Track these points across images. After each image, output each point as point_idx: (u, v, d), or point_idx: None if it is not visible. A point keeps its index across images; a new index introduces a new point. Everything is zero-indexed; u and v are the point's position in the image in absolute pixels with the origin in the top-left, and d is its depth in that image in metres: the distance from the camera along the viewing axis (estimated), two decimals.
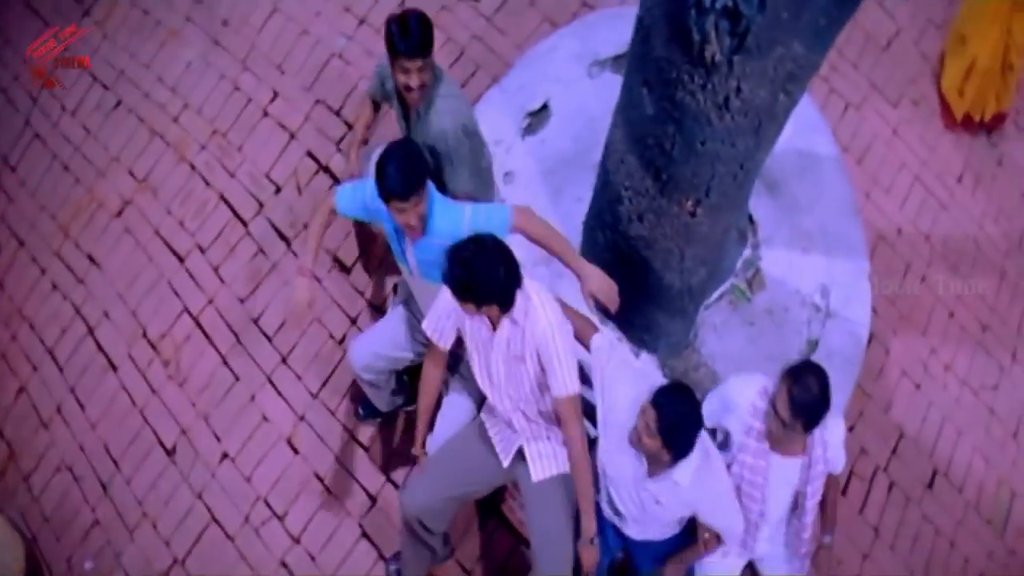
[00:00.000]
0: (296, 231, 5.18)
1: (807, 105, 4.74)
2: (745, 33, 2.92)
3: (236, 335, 5.08)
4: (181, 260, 5.23)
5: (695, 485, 3.61)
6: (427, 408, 4.03)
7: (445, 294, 3.68)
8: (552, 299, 3.65)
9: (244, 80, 5.44)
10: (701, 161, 3.51)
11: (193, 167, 5.35)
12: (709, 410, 3.80)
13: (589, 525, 3.81)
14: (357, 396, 4.86)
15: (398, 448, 4.84)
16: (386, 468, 4.84)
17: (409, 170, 3.48)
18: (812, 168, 4.75)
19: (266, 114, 5.38)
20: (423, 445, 4.08)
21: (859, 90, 5.62)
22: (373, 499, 4.79)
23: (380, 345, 4.28)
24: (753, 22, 2.89)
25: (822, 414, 3.53)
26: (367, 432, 4.88)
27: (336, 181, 5.21)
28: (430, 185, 3.62)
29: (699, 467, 3.61)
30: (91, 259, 5.36)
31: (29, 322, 5.38)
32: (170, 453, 4.99)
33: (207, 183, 5.32)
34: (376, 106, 4.42)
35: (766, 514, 3.87)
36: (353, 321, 5.05)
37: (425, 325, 3.84)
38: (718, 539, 3.88)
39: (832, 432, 3.76)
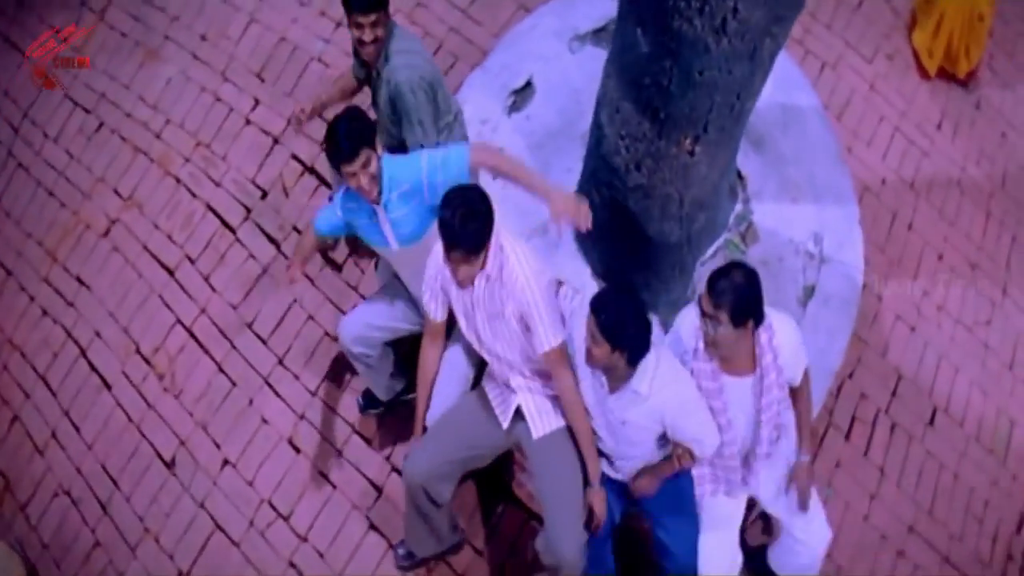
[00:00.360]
0: (285, 234, 5.12)
1: (785, 61, 4.72)
2: None
3: (231, 341, 4.98)
4: (171, 273, 5.16)
5: (656, 392, 3.51)
6: (426, 387, 3.97)
7: (431, 265, 3.67)
8: (527, 250, 3.60)
9: (225, 91, 5.42)
10: (699, 93, 3.47)
11: (178, 180, 5.31)
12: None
13: (594, 470, 3.75)
14: (357, 390, 4.75)
15: (401, 437, 4.70)
16: (390, 458, 4.70)
17: (351, 132, 3.53)
18: (795, 121, 4.72)
19: (248, 122, 5.35)
20: (423, 424, 3.97)
21: (834, 49, 5.63)
22: (379, 490, 4.64)
23: (370, 315, 4.20)
24: None
25: (748, 303, 3.38)
26: (369, 425, 4.75)
27: (322, 182, 5.17)
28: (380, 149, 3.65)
29: (657, 373, 3.52)
30: (80, 281, 5.28)
31: (20, 350, 5.28)
32: (169, 466, 4.85)
33: (193, 194, 5.27)
34: (359, 84, 4.39)
35: (740, 440, 3.74)
36: None
37: (426, 301, 3.79)
38: (691, 455, 3.74)
39: (781, 336, 3.58)
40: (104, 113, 5.54)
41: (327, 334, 4.92)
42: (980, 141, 5.68)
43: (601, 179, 4.03)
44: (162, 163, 5.36)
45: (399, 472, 4.66)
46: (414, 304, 4.10)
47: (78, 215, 5.40)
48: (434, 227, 3.49)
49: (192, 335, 5.03)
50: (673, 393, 3.56)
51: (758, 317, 3.46)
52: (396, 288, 4.20)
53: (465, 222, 3.31)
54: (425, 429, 3.97)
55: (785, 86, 4.70)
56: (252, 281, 5.07)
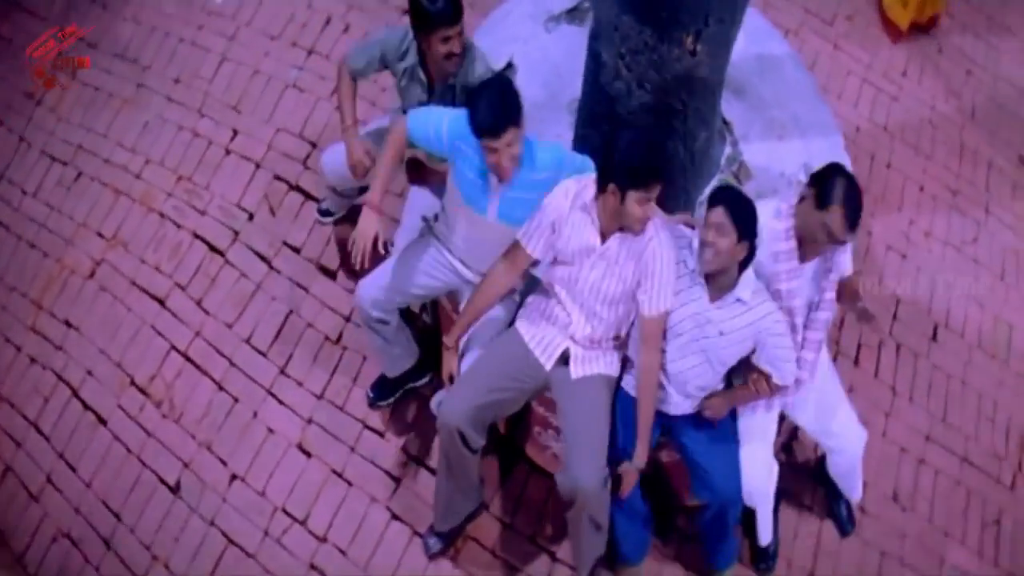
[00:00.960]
0: (276, 250, 5.08)
1: (754, 15, 4.88)
2: None
3: (228, 359, 4.86)
4: (162, 303, 5.06)
5: (758, 303, 3.56)
6: (482, 305, 3.82)
7: (553, 204, 3.60)
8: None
9: (202, 125, 5.46)
10: None
11: (162, 215, 5.28)
12: None
13: (643, 450, 3.70)
14: (364, 385, 4.65)
15: (414, 424, 4.57)
16: (406, 448, 4.54)
17: (499, 105, 3.44)
18: (771, 68, 4.84)
19: (228, 152, 5.37)
20: (458, 339, 3.86)
21: (795, 17, 5.88)
22: (397, 480, 4.48)
23: (391, 277, 4.04)
24: None
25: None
26: (381, 418, 4.62)
27: (308, 197, 5.16)
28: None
29: (757, 285, 3.56)
30: (68, 324, 5.15)
31: (8, 401, 5.09)
32: (175, 490, 4.64)
33: (179, 226, 5.23)
34: (354, 82, 4.39)
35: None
36: (347, 319, 4.87)
37: (520, 234, 3.67)
38: (768, 382, 3.67)
39: None
40: (82, 163, 5.53)
41: (328, 338, 4.83)
42: (946, 81, 5.91)
43: (601, 113, 4.05)
44: (144, 201, 5.33)
45: (416, 460, 4.52)
46: (440, 266, 4.01)
47: (62, 262, 5.31)
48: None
49: (188, 359, 4.90)
50: (771, 308, 3.59)
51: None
52: (422, 248, 4.06)
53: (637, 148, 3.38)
54: (458, 338, 3.87)
55: (757, 37, 4.84)
56: (246, 299, 4.99)
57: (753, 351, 3.66)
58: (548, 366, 3.77)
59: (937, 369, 5.02)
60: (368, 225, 3.67)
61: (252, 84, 5.53)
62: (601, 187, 3.47)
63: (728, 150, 4.61)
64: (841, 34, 5.88)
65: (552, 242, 3.65)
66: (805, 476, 4.62)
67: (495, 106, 3.42)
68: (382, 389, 4.57)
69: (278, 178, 5.25)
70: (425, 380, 4.57)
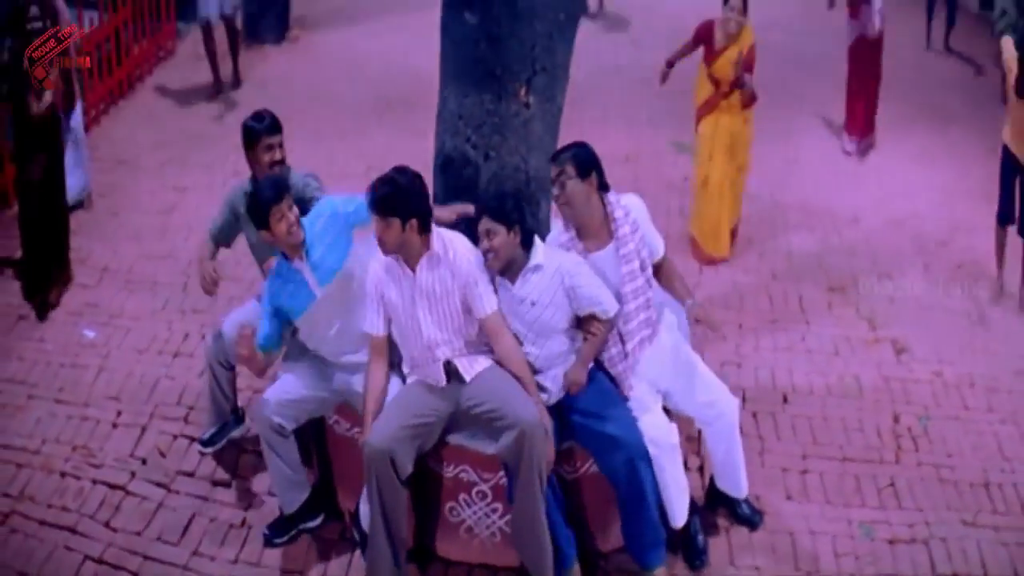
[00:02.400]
0: (171, 478, 6.12)
1: None
2: None
3: (143, 554, 5.64)
4: (72, 530, 5.77)
5: (549, 260, 4.69)
6: (374, 401, 4.89)
7: (369, 278, 4.84)
8: (457, 234, 4.81)
9: (89, 412, 6.61)
10: (522, 24, 4.88)
11: (63, 473, 6.18)
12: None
13: (535, 392, 4.79)
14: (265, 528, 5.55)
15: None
16: None
17: (271, 183, 4.94)
18: None
19: (115, 425, 6.51)
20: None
21: None
22: None
23: (290, 384, 5.27)
24: None
25: (588, 156, 4.77)
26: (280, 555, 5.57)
27: (193, 439, 6.34)
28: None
29: (544, 247, 4.76)
30: None
31: None
32: None
33: (77, 478, 6.14)
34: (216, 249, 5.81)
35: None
36: (247, 508, 5.93)
37: (366, 327, 4.90)
38: (602, 324, 4.77)
39: (636, 211, 4.91)
40: None
41: (231, 526, 5.82)
42: None
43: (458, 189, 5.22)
44: (44, 467, 6.23)
45: None
46: (328, 373, 5.32)
47: None
48: (352, 259, 5.04)
49: (103, 562, 5.61)
50: (563, 258, 4.71)
51: (601, 175, 4.79)
52: (310, 359, 5.31)
53: (382, 184, 4.59)
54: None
55: None
56: (151, 514, 5.90)
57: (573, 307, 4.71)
58: (443, 382, 4.83)
59: (797, 416, 6.54)
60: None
61: (127, 382, 6.87)
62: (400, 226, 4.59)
63: None
64: None
65: (387, 312, 4.82)
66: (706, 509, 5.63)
67: (268, 184, 4.89)
68: (278, 528, 5.50)
69: (163, 432, 6.44)
70: (318, 521, 5.58)
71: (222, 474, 6.16)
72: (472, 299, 4.75)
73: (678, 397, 5.14)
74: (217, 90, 11.35)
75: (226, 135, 9.64)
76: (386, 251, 4.71)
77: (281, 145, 5.53)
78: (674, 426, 5.03)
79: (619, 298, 4.85)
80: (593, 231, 4.91)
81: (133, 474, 6.18)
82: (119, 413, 6.63)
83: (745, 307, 7.87)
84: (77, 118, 8.66)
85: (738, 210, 8.50)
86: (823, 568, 5.47)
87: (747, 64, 7.66)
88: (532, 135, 5.17)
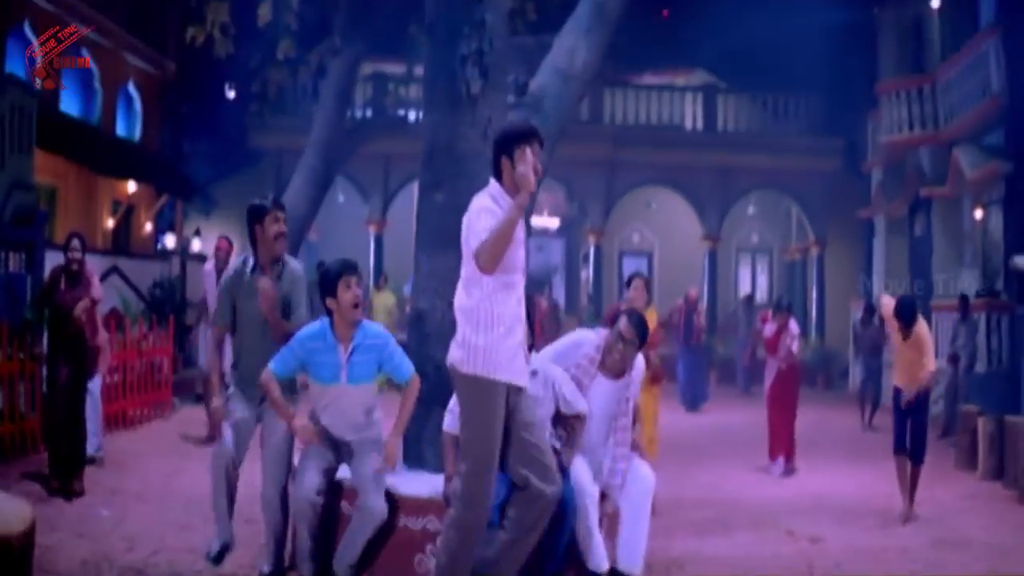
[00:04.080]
0: None
1: None
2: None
3: None
4: None
5: (541, 365, 5.55)
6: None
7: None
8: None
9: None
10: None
11: None
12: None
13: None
14: None
15: None
16: None
17: (346, 262, 5.65)
18: None
19: None
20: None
21: None
22: None
23: (317, 463, 5.61)
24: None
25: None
26: None
27: None
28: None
29: (537, 357, 5.63)
30: None
31: None
32: None
33: None
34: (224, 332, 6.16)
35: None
36: None
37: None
38: (574, 419, 5.63)
39: (637, 368, 6.04)
40: None
41: None
42: None
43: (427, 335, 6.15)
44: None
45: None
46: (326, 450, 5.72)
47: None
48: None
49: None
50: (551, 367, 5.65)
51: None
52: (317, 445, 5.64)
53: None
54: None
55: None
56: None
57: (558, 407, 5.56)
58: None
59: None
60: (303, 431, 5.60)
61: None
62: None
63: None
64: None
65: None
66: None
67: (342, 261, 5.48)
68: None
69: None
70: None
71: None
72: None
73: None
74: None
75: None
76: None
77: (285, 220, 5.98)
78: (596, 489, 5.67)
79: (608, 422, 5.88)
80: (615, 367, 5.89)
81: None
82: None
83: None
84: (96, 384, 9.19)
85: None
86: None
87: (652, 343, 7.89)
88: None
